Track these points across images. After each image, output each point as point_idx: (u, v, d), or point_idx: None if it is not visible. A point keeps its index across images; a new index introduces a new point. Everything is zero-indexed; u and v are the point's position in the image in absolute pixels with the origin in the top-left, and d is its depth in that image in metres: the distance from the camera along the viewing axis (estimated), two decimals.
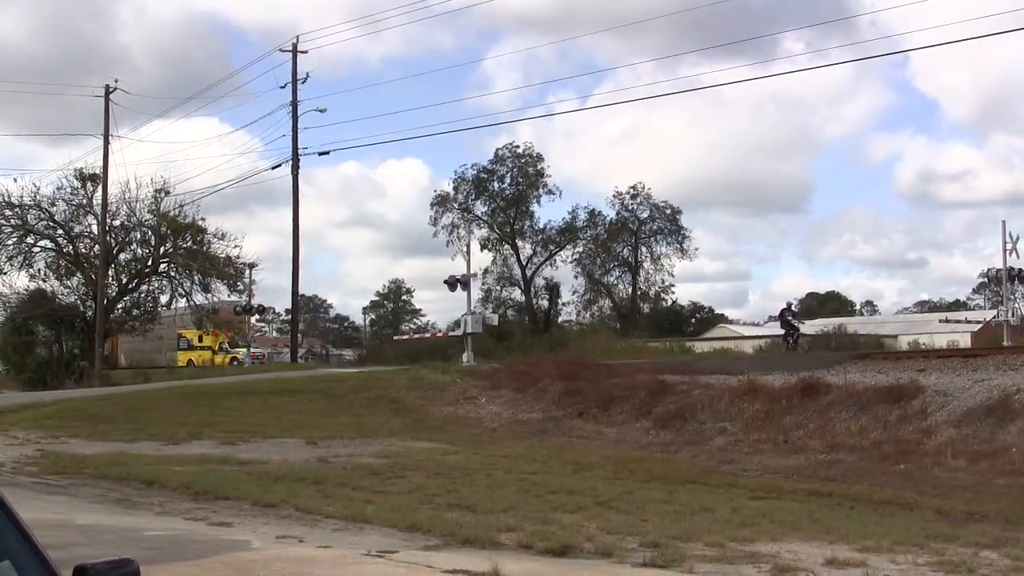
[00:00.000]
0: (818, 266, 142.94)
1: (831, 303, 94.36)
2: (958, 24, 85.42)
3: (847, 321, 64.45)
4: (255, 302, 50.59)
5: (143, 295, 50.88)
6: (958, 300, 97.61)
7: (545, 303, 65.04)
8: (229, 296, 50.56)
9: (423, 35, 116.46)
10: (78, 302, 49.55)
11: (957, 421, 18.28)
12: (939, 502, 13.63)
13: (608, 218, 65.81)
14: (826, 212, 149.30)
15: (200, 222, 49.18)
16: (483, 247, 63.08)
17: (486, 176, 63.30)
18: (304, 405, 26.89)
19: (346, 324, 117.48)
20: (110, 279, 48.82)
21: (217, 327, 51.80)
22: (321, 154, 50.53)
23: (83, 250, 49.31)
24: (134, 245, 50.38)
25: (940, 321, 63.23)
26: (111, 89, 48.20)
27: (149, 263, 49.83)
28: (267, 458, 17.79)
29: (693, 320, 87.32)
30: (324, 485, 14.52)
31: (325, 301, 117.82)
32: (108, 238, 48.18)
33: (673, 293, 70.99)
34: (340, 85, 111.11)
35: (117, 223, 49.36)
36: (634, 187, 66.17)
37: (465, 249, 41.75)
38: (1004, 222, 39.35)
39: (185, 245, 49.15)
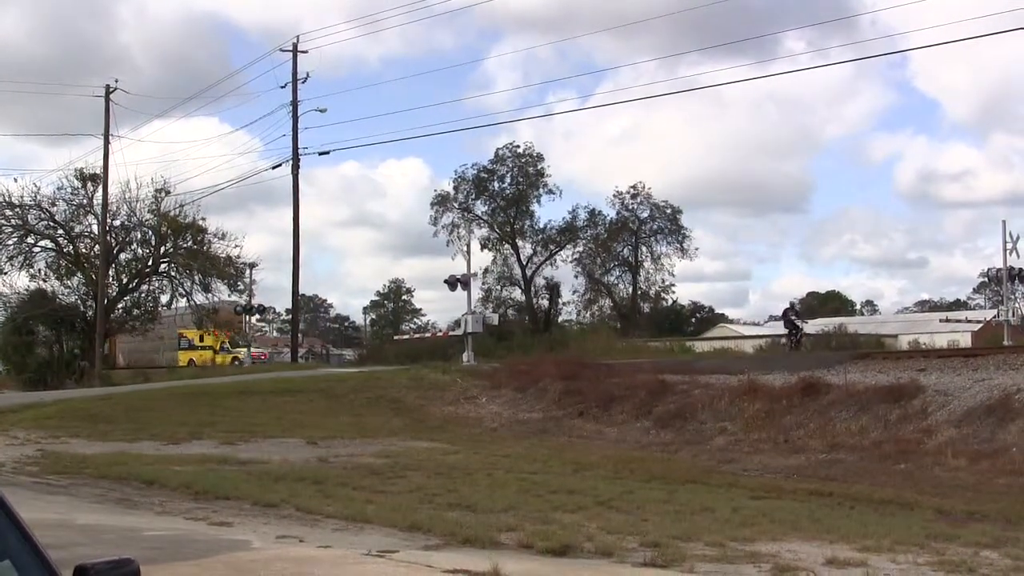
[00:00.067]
0: (818, 266, 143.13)
1: (831, 303, 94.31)
2: (958, 24, 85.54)
3: (847, 321, 64.41)
4: (255, 302, 50.63)
5: (143, 295, 50.93)
6: (958, 300, 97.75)
7: (545, 303, 65.08)
8: (229, 296, 50.63)
9: (423, 35, 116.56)
10: (78, 302, 49.56)
11: (957, 421, 18.28)
12: (939, 502, 13.63)
13: (608, 218, 65.92)
14: (826, 212, 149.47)
15: (200, 222, 49.26)
16: (483, 247, 63.18)
17: (486, 176, 63.34)
18: (304, 405, 26.90)
19: (346, 324, 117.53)
20: (110, 279, 48.83)
21: (217, 327, 51.82)
22: (321, 154, 50.64)
23: (83, 250, 49.32)
24: (134, 245, 50.46)
25: (940, 321, 63.24)
26: (111, 89, 48.24)
27: (149, 263, 49.83)
28: (267, 458, 17.79)
29: (693, 320, 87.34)
30: (324, 485, 14.52)
31: (325, 301, 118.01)
32: (108, 238, 48.19)
33: (673, 293, 71.11)
34: (340, 85, 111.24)
35: (117, 223, 49.44)
36: (634, 187, 66.27)
37: (465, 249, 41.78)
38: (1004, 222, 39.39)
39: (185, 245, 49.15)
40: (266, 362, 55.56)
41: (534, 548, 9.90)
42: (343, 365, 52.30)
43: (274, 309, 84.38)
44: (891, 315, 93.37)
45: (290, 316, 60.47)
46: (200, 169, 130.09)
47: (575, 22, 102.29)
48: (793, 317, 37.29)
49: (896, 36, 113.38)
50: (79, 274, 49.17)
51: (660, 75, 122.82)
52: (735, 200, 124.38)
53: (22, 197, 47.51)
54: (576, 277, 66.28)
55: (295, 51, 48.30)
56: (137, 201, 48.60)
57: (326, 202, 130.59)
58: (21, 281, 48.85)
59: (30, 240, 48.89)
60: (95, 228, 48.83)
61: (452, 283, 35.90)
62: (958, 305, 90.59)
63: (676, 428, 22.14)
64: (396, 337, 72.02)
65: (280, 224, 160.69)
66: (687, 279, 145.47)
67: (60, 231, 49.15)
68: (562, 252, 65.19)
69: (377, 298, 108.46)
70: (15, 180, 75.07)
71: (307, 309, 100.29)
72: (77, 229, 49.54)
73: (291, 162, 47.80)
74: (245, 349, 52.61)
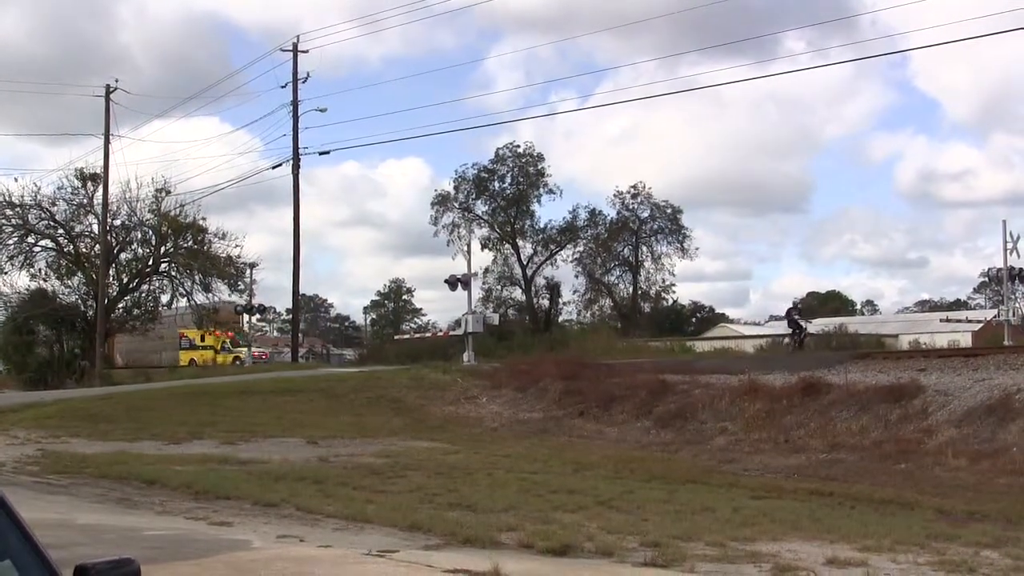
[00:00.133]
0: (819, 266, 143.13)
1: (832, 303, 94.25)
2: (958, 24, 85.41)
3: (848, 321, 64.42)
4: (256, 302, 50.65)
5: (144, 295, 50.90)
6: (959, 300, 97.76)
7: (546, 302, 65.13)
8: (230, 296, 50.64)
9: (423, 35, 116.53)
10: (79, 302, 49.54)
11: (958, 420, 18.28)
12: (940, 502, 13.62)
13: (609, 217, 65.98)
14: (826, 212, 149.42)
15: (201, 222, 49.22)
16: (484, 246, 63.23)
17: (487, 175, 63.38)
18: (305, 404, 26.90)
19: (347, 324, 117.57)
20: (111, 279, 48.81)
21: (218, 327, 51.82)
22: (322, 154, 50.69)
23: (84, 250, 49.30)
24: (135, 245, 50.43)
25: (941, 321, 63.18)
26: (111, 89, 48.22)
27: (150, 263, 49.82)
28: (268, 457, 17.80)
29: (694, 319, 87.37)
30: (325, 484, 14.52)
31: (326, 301, 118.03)
32: (109, 238, 48.17)
33: (674, 292, 71.18)
34: (340, 85, 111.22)
35: (118, 223, 49.42)
36: (635, 186, 66.33)
37: (466, 248, 41.81)
38: (1004, 222, 39.33)
39: (186, 245, 49.14)
40: (266, 362, 55.58)
41: (534, 548, 9.90)
42: (343, 365, 52.33)
43: (274, 309, 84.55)
44: (891, 315, 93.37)
45: (290, 316, 60.53)
46: (200, 169, 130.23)
47: (575, 22, 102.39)
48: (796, 317, 37.26)
49: (896, 36, 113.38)
50: (79, 274, 49.16)
51: (660, 75, 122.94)
52: (735, 200, 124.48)
53: (22, 197, 47.56)
54: (576, 277, 66.42)
55: (295, 51, 48.34)
56: (137, 201, 48.65)
57: (326, 202, 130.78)
58: (21, 281, 48.93)
59: (30, 240, 48.90)
60: (95, 228, 48.84)
61: (452, 283, 35.91)
62: (958, 305, 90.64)
63: (676, 428, 22.14)
64: (396, 337, 72.07)
65: (280, 224, 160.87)
66: (687, 279, 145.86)
67: (60, 231, 49.16)
68: (562, 252, 65.32)
69: (377, 298, 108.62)
70: (15, 180, 74.99)
71: (307, 309, 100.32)
72: (77, 229, 49.57)
73: (291, 162, 47.85)
74: (246, 349, 52.63)
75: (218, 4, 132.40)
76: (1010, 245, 34.83)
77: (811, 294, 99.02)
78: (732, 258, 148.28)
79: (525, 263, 64.11)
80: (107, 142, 47.85)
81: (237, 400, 27.25)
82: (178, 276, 49.57)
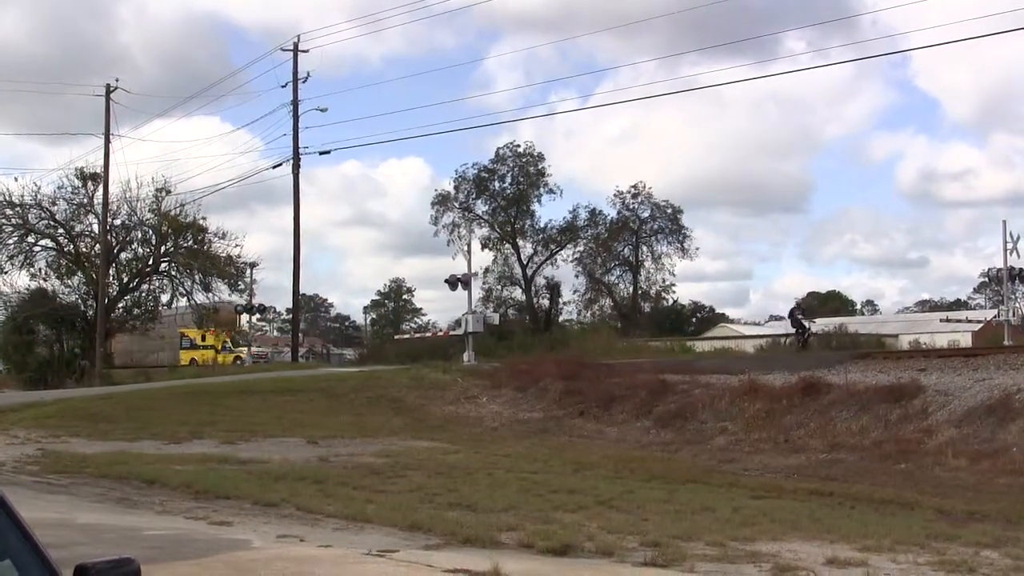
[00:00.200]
0: (819, 265, 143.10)
1: (832, 302, 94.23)
2: (958, 24, 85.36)
3: (848, 320, 64.36)
4: (256, 301, 50.67)
5: (144, 294, 50.90)
6: (959, 299, 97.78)
7: (546, 302, 65.13)
8: (230, 295, 50.65)
9: (424, 34, 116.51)
10: (79, 301, 49.55)
11: (958, 420, 18.28)
12: (940, 502, 13.62)
13: (609, 217, 65.99)
14: (827, 211, 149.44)
15: (201, 221, 49.23)
16: (484, 246, 63.25)
17: (487, 175, 63.38)
18: (305, 404, 26.90)
19: (347, 323, 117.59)
20: (111, 278, 48.81)
21: (217, 326, 51.82)
22: (322, 153, 50.70)
23: (84, 249, 49.31)
24: (135, 244, 50.42)
25: (941, 320, 63.20)
26: (112, 88, 48.23)
27: (150, 262, 49.82)
28: (268, 457, 17.80)
29: (694, 319, 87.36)
30: (325, 484, 14.52)
31: (326, 300, 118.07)
32: (109, 237, 48.17)
33: (674, 292, 71.19)
34: (341, 84, 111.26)
35: (118, 222, 49.41)
36: (635, 186, 66.35)
37: (466, 248, 41.84)
38: (1005, 222, 39.46)
39: (186, 244, 49.14)
40: (267, 361, 55.60)
41: (535, 548, 9.90)
42: (343, 364, 52.33)
43: (275, 308, 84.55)
44: (891, 315, 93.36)
45: (290, 315, 60.53)
46: (201, 168, 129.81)
47: (575, 22, 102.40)
48: (800, 316, 37.11)
49: (897, 36, 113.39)
50: (79, 273, 49.17)
51: (660, 75, 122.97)
52: (736, 200, 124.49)
53: (23, 196, 47.56)
54: (577, 277, 66.45)
55: (296, 50, 48.37)
56: (138, 200, 48.65)
57: (327, 201, 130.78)
58: (21, 280, 48.94)
59: (31, 239, 48.90)
60: (96, 227, 48.84)
61: (453, 283, 35.90)
62: (958, 305, 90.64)
63: (676, 428, 22.14)
64: (397, 337, 72.08)
65: (281, 223, 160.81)
66: (688, 279, 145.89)
67: (61, 230, 49.17)
68: (563, 252, 65.34)
69: (378, 297, 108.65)
70: (15, 179, 74.82)
71: (308, 308, 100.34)
72: (78, 228, 49.58)
73: (292, 161, 47.87)
74: (245, 349, 52.64)
75: (218, 4, 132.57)
76: (1010, 245, 34.85)
77: (811, 294, 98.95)
78: (732, 258, 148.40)
79: (525, 263, 64.16)
80: (107, 141, 47.89)
81: (237, 400, 27.24)
82: (178, 276, 49.61)
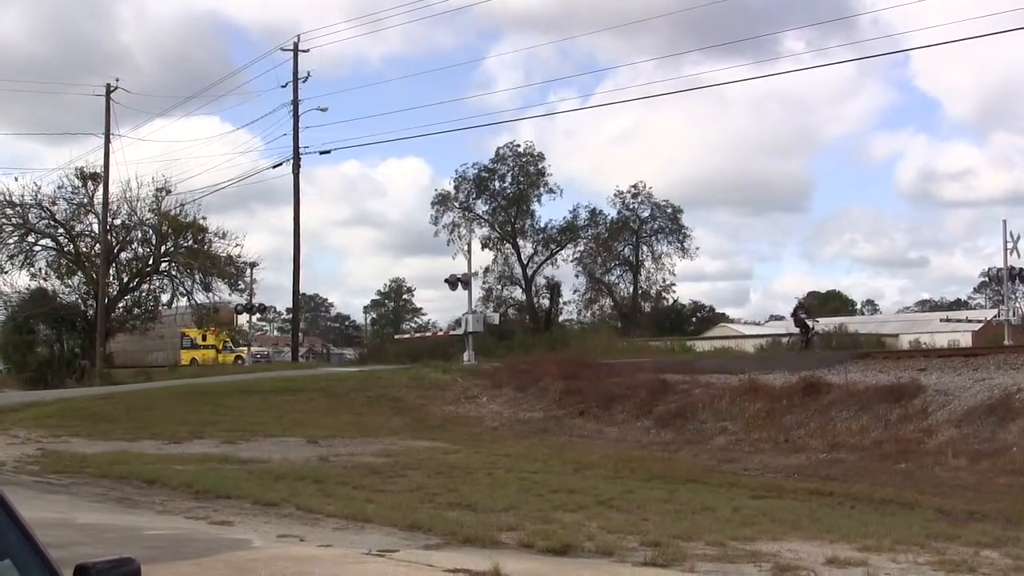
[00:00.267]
0: (819, 265, 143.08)
1: (832, 302, 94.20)
2: (958, 24, 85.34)
3: (848, 320, 64.38)
4: (256, 301, 50.63)
5: (144, 294, 50.90)
6: (959, 299, 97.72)
7: (546, 302, 65.16)
8: (230, 295, 50.65)
9: (424, 34, 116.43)
10: (79, 301, 49.55)
11: (958, 420, 18.27)
12: (940, 501, 13.62)
13: (609, 217, 66.03)
14: (827, 211, 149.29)
15: (201, 221, 49.22)
16: (484, 246, 63.29)
17: (487, 175, 63.41)
18: (305, 404, 26.90)
19: (347, 323, 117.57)
20: (111, 278, 48.81)
21: (217, 326, 51.84)
22: (322, 153, 50.85)
23: (84, 249, 49.31)
24: (135, 244, 50.40)
25: (941, 320, 63.21)
26: (112, 88, 48.24)
27: (150, 262, 49.82)
28: (268, 457, 17.81)
29: (694, 319, 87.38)
30: (325, 484, 14.52)
31: (326, 300, 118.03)
32: (109, 237, 48.17)
33: (674, 292, 71.25)
34: (341, 84, 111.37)
35: (118, 222, 49.39)
36: (635, 186, 66.39)
37: (466, 248, 41.90)
38: (1005, 221, 39.42)
39: (186, 244, 49.14)
40: (267, 361, 55.62)
41: (535, 547, 9.90)
42: (344, 364, 52.34)
43: (275, 308, 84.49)
44: (892, 314, 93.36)
45: (291, 315, 60.54)
46: (201, 168, 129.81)
47: (575, 22, 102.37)
48: (804, 316, 36.91)
49: (897, 36, 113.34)
50: (80, 273, 49.17)
51: (660, 75, 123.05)
52: (736, 199, 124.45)
53: (23, 196, 47.54)
54: (577, 276, 66.48)
55: (296, 50, 48.40)
56: (138, 200, 48.63)
57: (327, 201, 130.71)
58: (22, 280, 48.94)
59: (31, 239, 48.89)
60: (96, 227, 48.83)
61: (453, 282, 35.90)
62: (959, 305, 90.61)
63: (677, 427, 22.14)
64: (397, 336, 72.09)
65: (281, 223, 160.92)
66: (688, 278, 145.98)
67: (61, 230, 49.16)
68: (563, 251, 65.37)
69: (378, 297, 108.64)
70: (16, 179, 74.88)
71: (308, 308, 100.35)
72: (78, 228, 49.56)
73: (292, 161, 47.90)
74: (245, 348, 52.64)
75: (218, 4, 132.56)
76: (1010, 245, 34.85)
77: (811, 293, 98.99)
78: (732, 257, 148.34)
79: (525, 263, 64.18)
80: (107, 141, 47.90)
81: (237, 399, 27.24)
82: (178, 275, 49.60)
